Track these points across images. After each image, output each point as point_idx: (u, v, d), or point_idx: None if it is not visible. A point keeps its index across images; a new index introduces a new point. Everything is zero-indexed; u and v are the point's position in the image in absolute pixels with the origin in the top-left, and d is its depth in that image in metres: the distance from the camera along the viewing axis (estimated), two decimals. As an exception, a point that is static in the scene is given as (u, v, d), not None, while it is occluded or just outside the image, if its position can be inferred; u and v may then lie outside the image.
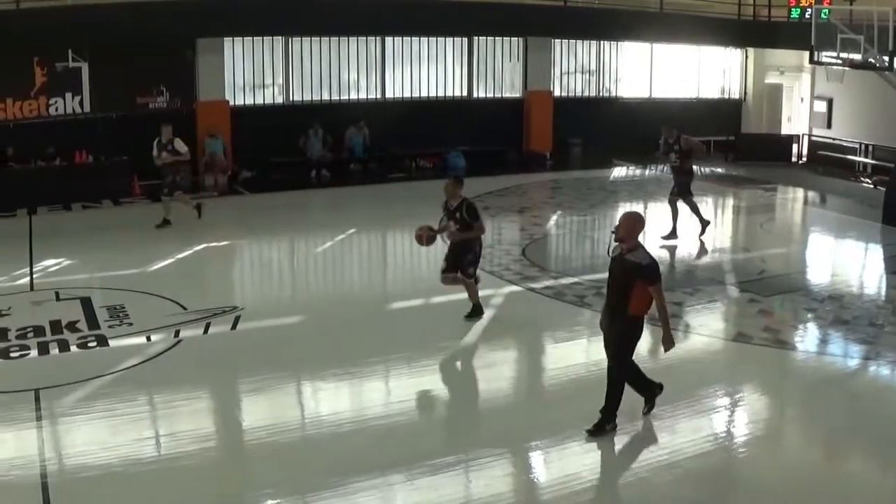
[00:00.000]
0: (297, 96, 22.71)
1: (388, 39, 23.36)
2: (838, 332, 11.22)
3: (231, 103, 21.80)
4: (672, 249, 15.38)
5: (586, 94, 26.10)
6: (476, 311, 11.40)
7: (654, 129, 25.71)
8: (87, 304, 11.94)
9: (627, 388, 8.19)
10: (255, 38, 21.92)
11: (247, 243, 16.45)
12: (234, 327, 11.19)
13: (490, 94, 24.95)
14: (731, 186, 21.88)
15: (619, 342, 8.06)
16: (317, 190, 21.17)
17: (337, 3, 21.10)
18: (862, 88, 22.61)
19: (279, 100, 22.60)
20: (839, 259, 16.07)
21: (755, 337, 10.82)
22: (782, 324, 11.53)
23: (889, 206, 17.44)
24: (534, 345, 11.20)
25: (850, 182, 22.60)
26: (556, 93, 25.42)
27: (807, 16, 22.98)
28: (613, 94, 26.48)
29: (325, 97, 22.95)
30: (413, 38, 23.61)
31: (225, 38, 21.49)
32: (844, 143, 24.30)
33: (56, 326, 11.03)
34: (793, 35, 23.56)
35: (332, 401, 9.36)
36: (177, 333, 10.86)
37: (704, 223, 16.00)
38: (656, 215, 16.78)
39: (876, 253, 16.43)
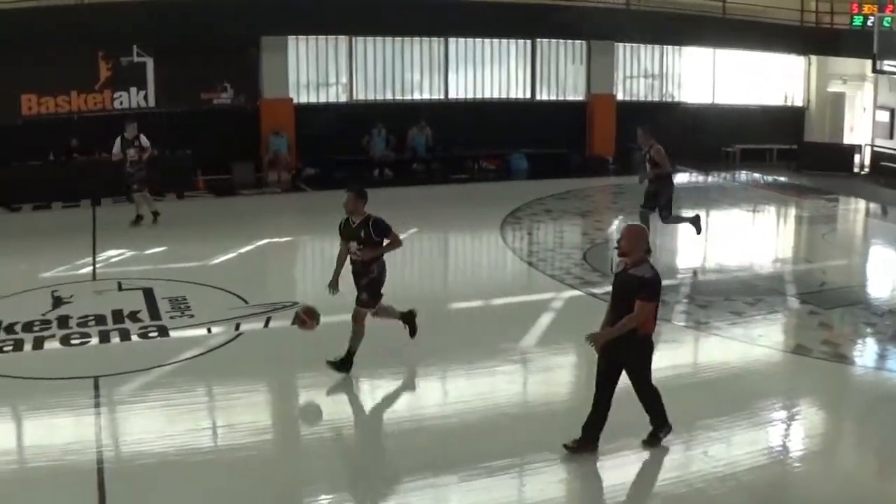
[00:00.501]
0: (360, 95, 22.89)
1: (452, 41, 23.43)
2: (898, 348, 11.02)
3: (295, 101, 22.03)
4: (733, 257, 15.28)
5: (649, 98, 25.89)
6: (346, 361, 9.46)
7: (716, 136, 25.81)
8: (148, 294, 12.14)
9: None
10: (319, 36, 22.14)
11: (309, 239, 16.64)
12: (293, 322, 11.29)
13: (553, 97, 24.86)
14: (794, 196, 21.58)
15: (636, 370, 7.76)
16: (379, 189, 21.15)
17: (401, 3, 21.22)
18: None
19: (343, 98, 22.80)
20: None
21: (814, 350, 10.66)
22: (842, 337, 11.35)
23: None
24: (592, 351, 11.08)
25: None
26: (619, 96, 25.29)
27: (869, 23, 22.60)
28: (676, 98, 26.24)
29: (388, 97, 23.10)
30: (476, 40, 23.65)
31: (289, 37, 21.73)
32: (907, 155, 23.81)
33: (118, 316, 11.23)
34: (855, 43, 23.21)
35: (389, 399, 9.43)
36: (237, 326, 11.01)
37: (697, 222, 14.93)
38: (718, 221, 16.50)
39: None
